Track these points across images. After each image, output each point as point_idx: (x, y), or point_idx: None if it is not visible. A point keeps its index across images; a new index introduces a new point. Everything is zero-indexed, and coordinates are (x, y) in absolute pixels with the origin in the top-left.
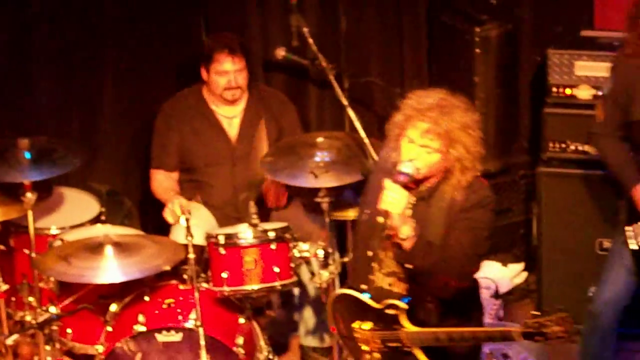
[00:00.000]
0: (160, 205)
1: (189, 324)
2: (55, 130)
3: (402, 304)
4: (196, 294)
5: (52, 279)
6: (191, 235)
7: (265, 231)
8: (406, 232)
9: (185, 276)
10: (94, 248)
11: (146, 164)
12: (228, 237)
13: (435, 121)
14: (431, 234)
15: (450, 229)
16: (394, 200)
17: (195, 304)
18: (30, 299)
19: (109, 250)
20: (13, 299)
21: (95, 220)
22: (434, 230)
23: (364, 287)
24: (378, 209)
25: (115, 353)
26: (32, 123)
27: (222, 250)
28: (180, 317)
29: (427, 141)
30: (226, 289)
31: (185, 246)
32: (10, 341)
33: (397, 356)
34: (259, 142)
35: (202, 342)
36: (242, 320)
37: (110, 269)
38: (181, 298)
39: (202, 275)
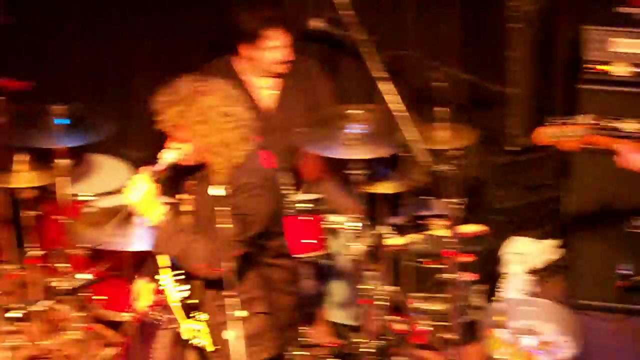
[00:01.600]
0: None
1: None
2: (89, 98)
3: (167, 274)
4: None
5: (84, 245)
6: (226, 205)
7: (298, 202)
8: (153, 219)
9: None
10: (127, 216)
11: None
12: None
13: (169, 116)
14: (202, 218)
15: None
16: (131, 189)
17: None
18: (63, 265)
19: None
20: (46, 265)
21: None
22: (203, 215)
23: None
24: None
25: (144, 320)
26: (67, 90)
27: None
28: None
29: (173, 133)
30: None
31: None
32: (42, 307)
33: None
34: (293, 112)
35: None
36: None
37: (142, 237)
38: None
39: None
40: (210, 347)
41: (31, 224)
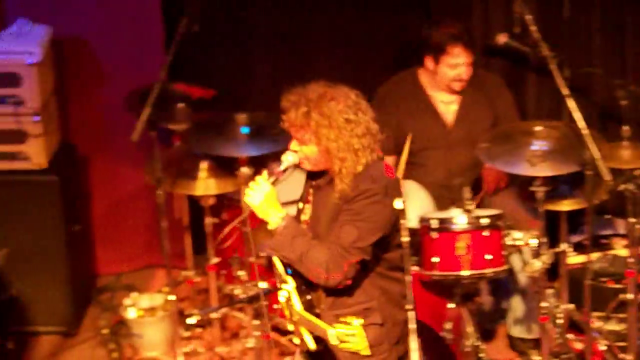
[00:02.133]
0: None
1: None
2: (272, 107)
3: (290, 284)
4: (407, 277)
5: (263, 254)
6: (404, 218)
7: (479, 217)
8: (272, 223)
9: None
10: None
11: None
12: (441, 221)
13: (295, 116)
14: (322, 224)
15: (335, 220)
16: (250, 193)
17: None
18: (241, 273)
19: None
20: (223, 272)
21: None
22: (324, 221)
23: None
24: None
25: None
26: (250, 99)
27: (434, 235)
28: None
29: (296, 134)
30: (436, 273)
31: None
32: (220, 314)
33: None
34: (474, 127)
35: (413, 326)
36: (450, 306)
37: None
38: None
39: (413, 258)
40: (366, 352)
41: (212, 231)
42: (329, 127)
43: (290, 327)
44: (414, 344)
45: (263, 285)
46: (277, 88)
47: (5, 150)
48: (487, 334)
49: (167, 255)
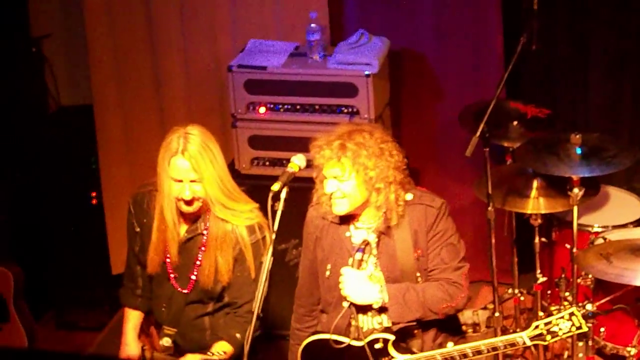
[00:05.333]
0: None
1: None
2: (606, 129)
3: (390, 336)
4: None
5: (590, 276)
6: None
7: None
8: (376, 302)
9: None
10: (636, 250)
11: None
12: None
13: (330, 151)
14: (399, 265)
15: (424, 254)
16: (346, 291)
17: None
18: (566, 293)
19: None
20: (549, 292)
21: (639, 222)
22: (405, 262)
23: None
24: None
25: None
26: (585, 119)
27: None
28: None
29: (334, 171)
30: None
31: None
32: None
33: None
34: None
35: None
36: None
37: None
38: None
39: None
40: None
41: (539, 251)
42: (367, 156)
43: None
44: None
45: (589, 307)
46: (614, 110)
47: None
48: None
49: (494, 272)
